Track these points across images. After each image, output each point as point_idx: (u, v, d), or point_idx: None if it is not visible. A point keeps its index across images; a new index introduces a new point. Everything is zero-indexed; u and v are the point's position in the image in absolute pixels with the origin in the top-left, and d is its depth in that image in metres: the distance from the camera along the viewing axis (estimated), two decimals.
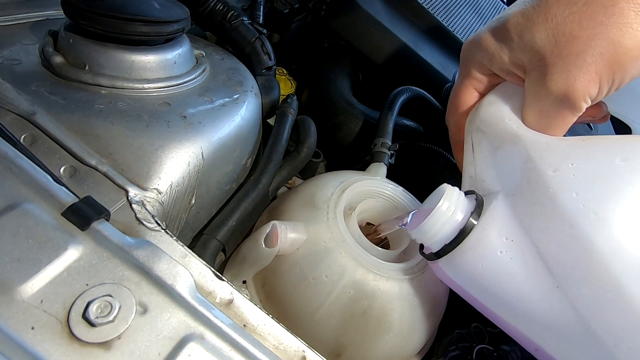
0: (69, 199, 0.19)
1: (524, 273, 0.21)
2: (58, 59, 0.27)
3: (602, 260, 0.19)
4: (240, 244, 0.31)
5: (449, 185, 0.26)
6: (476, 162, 0.28)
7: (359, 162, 0.41)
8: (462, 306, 0.30)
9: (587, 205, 0.20)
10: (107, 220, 0.20)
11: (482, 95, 0.30)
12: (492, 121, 0.27)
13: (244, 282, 0.32)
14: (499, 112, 0.27)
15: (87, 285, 0.18)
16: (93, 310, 0.17)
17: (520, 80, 0.27)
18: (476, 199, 0.25)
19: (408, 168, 0.42)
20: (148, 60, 0.29)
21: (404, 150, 0.43)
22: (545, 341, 0.22)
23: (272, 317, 0.23)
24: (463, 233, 0.24)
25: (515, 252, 0.22)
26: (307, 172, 0.42)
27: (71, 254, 0.18)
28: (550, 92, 0.24)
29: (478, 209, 0.24)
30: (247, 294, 0.31)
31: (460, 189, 0.26)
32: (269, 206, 0.36)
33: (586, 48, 0.23)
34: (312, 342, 0.23)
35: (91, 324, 0.16)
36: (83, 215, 0.19)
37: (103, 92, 0.27)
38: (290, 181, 0.42)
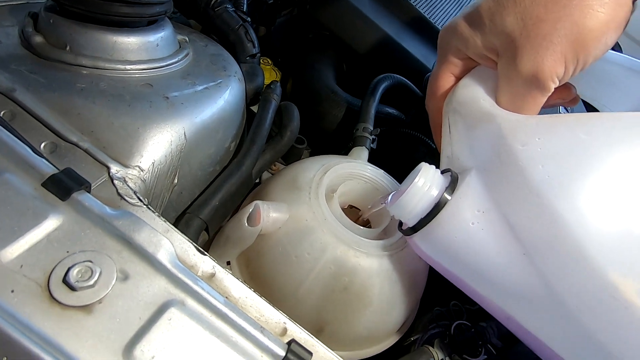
0: (49, 170, 0.20)
1: (494, 242, 0.23)
2: (38, 39, 0.27)
3: (566, 228, 0.20)
4: (224, 225, 0.32)
5: (426, 164, 0.27)
6: (452, 142, 0.29)
7: (343, 149, 0.42)
8: (442, 285, 0.31)
9: (552, 176, 0.21)
10: (88, 192, 0.20)
11: (459, 79, 0.31)
12: (468, 102, 0.28)
13: (228, 263, 0.32)
14: (474, 94, 0.28)
15: (67, 252, 0.18)
16: (73, 275, 0.17)
17: (494, 64, 0.28)
18: (451, 176, 0.26)
19: (390, 154, 0.43)
20: (130, 41, 0.29)
21: (387, 137, 0.44)
22: (514, 309, 0.24)
23: (254, 291, 0.23)
24: (437, 207, 0.25)
25: (486, 223, 0.23)
26: (292, 159, 0.42)
27: (51, 223, 0.18)
28: (520, 73, 0.25)
29: (452, 185, 0.25)
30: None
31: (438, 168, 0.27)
32: (254, 191, 0.37)
33: (552, 30, 0.24)
34: (295, 319, 0.23)
35: (72, 288, 0.17)
36: (63, 185, 0.19)
37: (84, 72, 0.27)
38: (274, 167, 0.42)
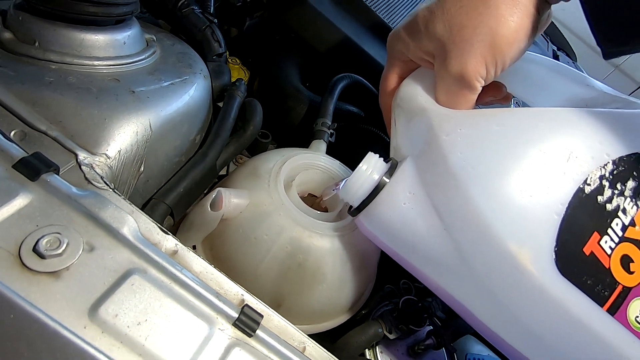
0: (19, 154, 0.22)
1: (421, 220, 0.26)
2: (7, 35, 0.29)
3: (475, 205, 0.24)
4: (189, 211, 0.34)
5: (371, 152, 0.30)
6: (397, 134, 0.32)
7: (307, 143, 0.45)
8: (393, 265, 0.34)
9: (468, 161, 0.25)
10: (57, 174, 0.22)
11: (403, 79, 0.35)
12: (408, 98, 0.32)
13: (194, 247, 0.34)
14: (413, 91, 0.32)
15: (37, 226, 0.20)
16: (43, 244, 0.19)
17: (432, 65, 0.32)
18: (391, 163, 0.30)
19: (350, 148, 0.46)
20: (97, 39, 0.31)
21: (347, 132, 0.48)
22: (440, 278, 0.27)
23: (214, 266, 0.26)
24: (377, 189, 0.28)
25: (415, 203, 0.26)
26: (257, 152, 0.45)
27: (22, 200, 0.20)
28: (450, 74, 0.29)
29: (391, 170, 0.29)
30: None
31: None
32: (220, 181, 0.39)
33: (472, 35, 0.28)
34: (255, 295, 0.26)
35: (41, 256, 0.19)
36: (33, 167, 0.21)
37: (53, 67, 0.29)
38: (241, 160, 0.45)
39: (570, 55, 1.30)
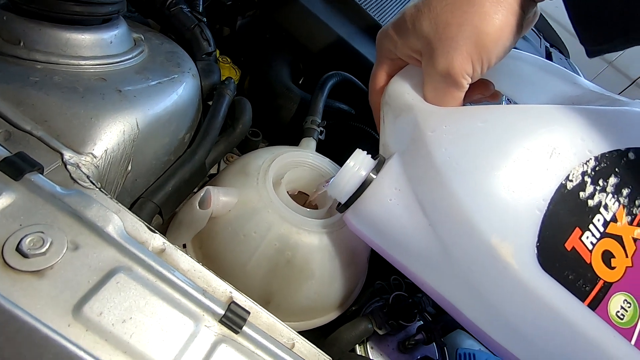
0: (3, 153, 0.22)
1: (406, 216, 0.26)
2: None
3: (459, 200, 0.24)
4: (178, 210, 0.34)
5: (359, 149, 0.31)
6: (385, 131, 0.32)
7: (298, 142, 0.45)
8: (384, 262, 0.34)
9: (452, 157, 0.25)
10: (41, 173, 0.22)
11: (392, 77, 0.35)
12: (395, 95, 0.32)
13: (184, 245, 0.35)
14: (401, 88, 0.32)
15: (20, 225, 0.20)
16: (26, 244, 0.19)
17: (419, 63, 0.32)
18: (379, 160, 0.30)
19: (340, 146, 0.47)
20: (83, 38, 0.31)
21: (337, 129, 0.48)
22: (425, 274, 0.27)
23: (202, 264, 0.26)
24: (364, 185, 0.28)
25: (401, 199, 0.27)
26: (248, 151, 0.45)
27: (5, 200, 0.20)
28: (437, 71, 0.29)
29: (378, 167, 0.29)
30: None
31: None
32: (211, 180, 0.39)
33: (457, 33, 0.28)
34: (245, 292, 0.26)
35: (24, 256, 0.19)
36: (16, 166, 0.21)
37: (38, 66, 0.29)
38: (231, 159, 0.45)
39: (563, 51, 1.31)
